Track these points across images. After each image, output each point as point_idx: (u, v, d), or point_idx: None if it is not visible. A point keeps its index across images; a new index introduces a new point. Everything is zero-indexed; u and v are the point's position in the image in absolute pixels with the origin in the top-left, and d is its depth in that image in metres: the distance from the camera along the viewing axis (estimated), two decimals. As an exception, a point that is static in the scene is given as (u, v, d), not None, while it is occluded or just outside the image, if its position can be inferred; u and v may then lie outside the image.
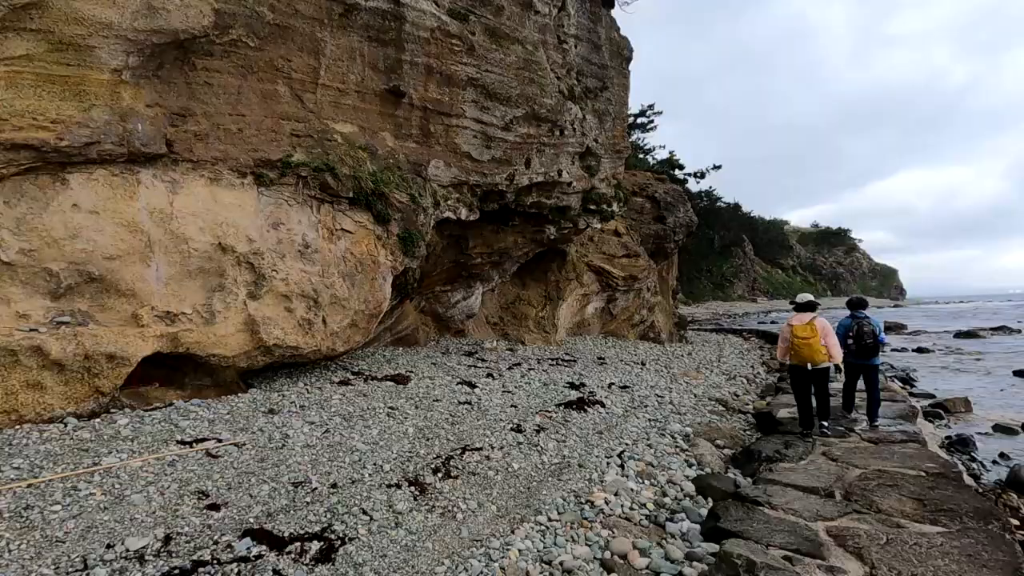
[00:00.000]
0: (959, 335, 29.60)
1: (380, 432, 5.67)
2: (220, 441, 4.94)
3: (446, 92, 10.95)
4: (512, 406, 7.38)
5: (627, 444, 6.30)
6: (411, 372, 9.08)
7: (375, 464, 4.77)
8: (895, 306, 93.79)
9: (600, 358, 14.57)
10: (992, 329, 32.15)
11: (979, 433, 9.14)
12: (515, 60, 12.23)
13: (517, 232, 14.94)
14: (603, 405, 8.08)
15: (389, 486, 4.28)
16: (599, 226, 16.18)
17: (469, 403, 7.29)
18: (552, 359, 13.06)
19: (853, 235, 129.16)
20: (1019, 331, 31.71)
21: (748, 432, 7.99)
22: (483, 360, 11.66)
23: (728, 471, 5.95)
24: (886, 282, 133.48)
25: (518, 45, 12.49)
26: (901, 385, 13.29)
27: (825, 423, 6.81)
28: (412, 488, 4.28)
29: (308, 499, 3.96)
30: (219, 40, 7.71)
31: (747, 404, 10.33)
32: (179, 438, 4.96)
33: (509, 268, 16.07)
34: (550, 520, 4.15)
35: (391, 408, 6.60)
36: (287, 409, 6.15)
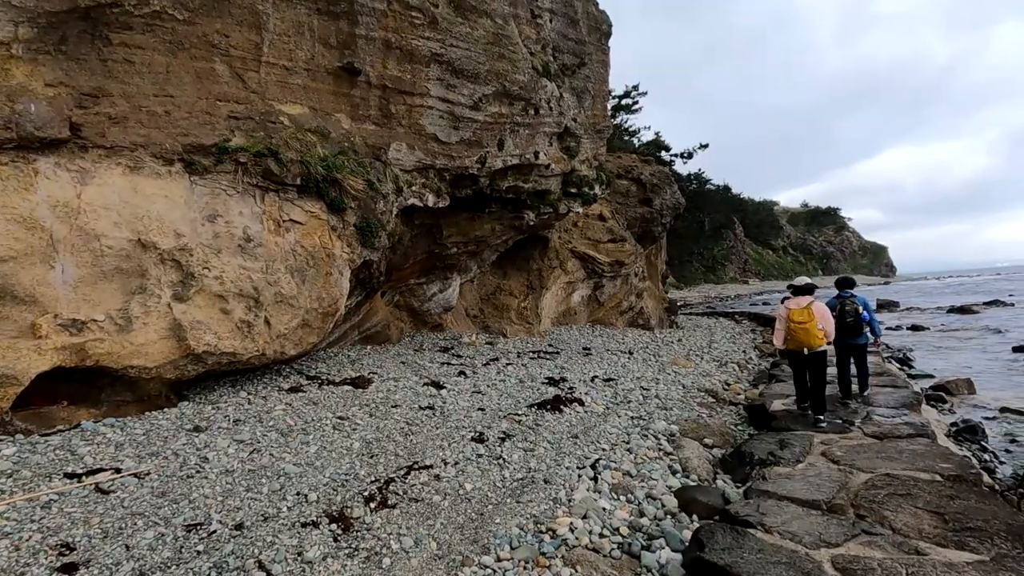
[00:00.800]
0: (953, 311, 29.21)
1: (319, 449, 4.95)
2: (119, 471, 4.20)
3: (407, 69, 10.12)
4: (480, 409, 6.67)
5: (604, 450, 5.61)
6: (375, 373, 8.36)
7: (299, 493, 4.05)
8: (885, 283, 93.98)
9: (586, 349, 13.91)
10: (985, 303, 31.79)
11: (986, 418, 8.56)
12: (483, 34, 11.39)
13: (494, 219, 14.17)
14: (582, 403, 7.40)
15: (304, 525, 3.56)
16: (581, 210, 15.43)
17: (432, 408, 6.58)
18: (534, 352, 12.38)
19: (843, 214, 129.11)
20: (1012, 304, 31.38)
21: (740, 427, 7.34)
22: (459, 356, 10.95)
23: (717, 478, 5.29)
24: (876, 259, 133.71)
25: (486, 19, 11.63)
26: (899, 366, 12.72)
27: (821, 416, 6.39)
28: (334, 526, 3.57)
29: (199, 548, 3.25)
30: (137, 12, 6.87)
31: (739, 394, 9.70)
32: (71, 469, 4.22)
33: (488, 257, 15.33)
34: (499, 560, 3.45)
35: (340, 418, 5.88)
36: (217, 425, 5.42)
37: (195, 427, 5.30)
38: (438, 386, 7.80)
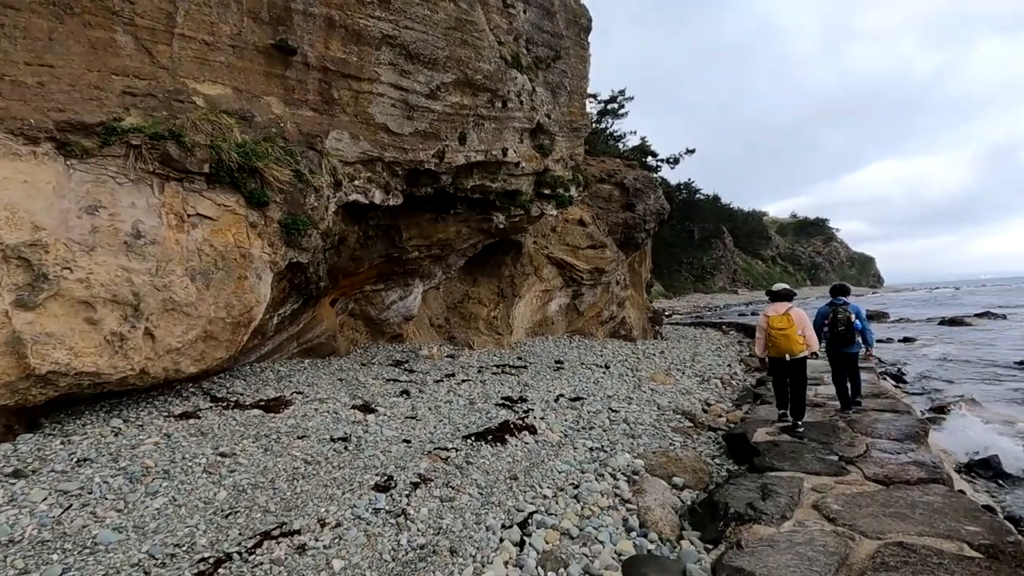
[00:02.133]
0: (944, 323, 28.48)
1: (167, 503, 3.83)
2: None
3: (354, 51, 9.06)
4: (405, 441, 5.55)
5: (546, 497, 4.52)
6: (300, 393, 7.22)
7: (92, 579, 2.94)
8: (874, 293, 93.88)
9: (558, 362, 12.83)
10: (977, 315, 31.12)
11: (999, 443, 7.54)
12: (444, 18, 10.36)
13: (460, 221, 13.09)
14: (534, 431, 6.31)
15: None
16: (555, 213, 14.40)
17: (346, 440, 5.46)
18: (499, 366, 11.27)
19: (831, 225, 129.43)
20: (1004, 316, 30.73)
21: (717, 460, 6.28)
22: (411, 371, 9.83)
23: (682, 535, 4.20)
24: (864, 270, 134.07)
25: (449, 2, 10.61)
26: (894, 384, 11.73)
27: (800, 423, 6.35)
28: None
29: None
30: (8, -37, 5.78)
31: (720, 416, 8.65)
32: None
33: (454, 263, 14.23)
34: None
35: (221, 456, 4.74)
36: (51, 467, 4.27)
37: (15, 471, 4.15)
38: (368, 409, 6.67)
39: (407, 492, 4.24)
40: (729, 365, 14.41)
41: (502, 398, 8.22)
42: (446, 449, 5.26)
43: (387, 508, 3.96)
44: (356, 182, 8.93)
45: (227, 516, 3.72)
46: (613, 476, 5.19)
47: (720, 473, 5.91)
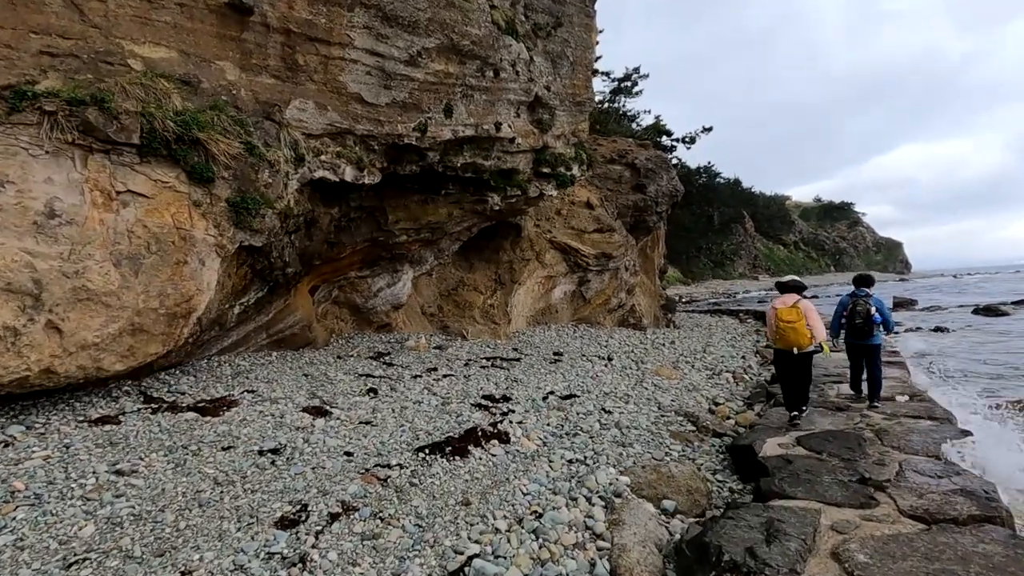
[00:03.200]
0: (978, 311, 26.82)
1: (4, 546, 3.07)
2: None
3: (322, 12, 8.18)
4: (346, 453, 4.76)
5: (497, 532, 3.67)
6: (251, 392, 6.47)
7: None
8: (901, 280, 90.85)
9: (556, 354, 11.95)
10: (1014, 303, 29.31)
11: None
12: (427, -24, 9.39)
13: (452, 202, 12.20)
14: (506, 440, 5.47)
15: None
16: (555, 193, 13.41)
17: (277, 451, 4.68)
18: (490, 358, 10.44)
19: (856, 209, 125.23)
20: (1043, 304, 28.88)
21: (719, 476, 5.38)
22: (390, 365, 9.05)
23: (664, 588, 3.34)
24: (891, 256, 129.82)
25: (432, -42, 9.62)
26: (924, 388, 10.54)
27: (799, 412, 6.33)
28: None
29: None
30: None
31: (728, 418, 7.71)
32: None
33: (448, 247, 13.38)
34: None
35: (116, 475, 3.99)
36: None
37: None
38: (320, 412, 5.89)
39: (320, 527, 3.44)
40: (743, 357, 13.39)
41: (483, 397, 7.40)
42: (389, 466, 4.45)
43: (284, 552, 3.16)
44: (323, 157, 8.08)
45: (70, 566, 2.96)
46: (589, 499, 4.33)
47: (721, 493, 5.03)
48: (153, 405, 5.65)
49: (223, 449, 4.63)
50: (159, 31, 6.90)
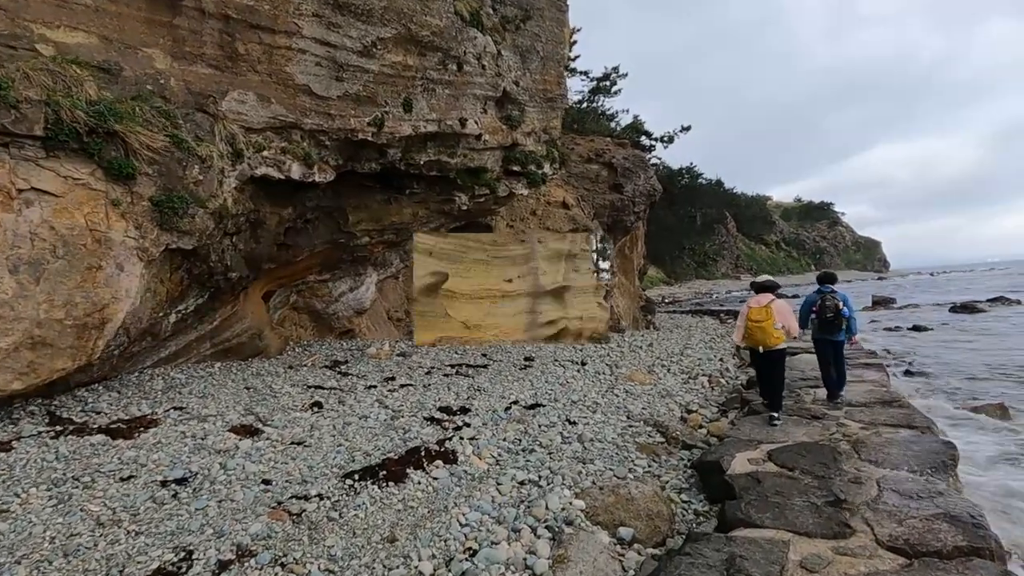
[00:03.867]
0: (955, 309, 26.94)
1: None
2: None
3: (266, -2, 7.62)
4: (264, 482, 4.23)
5: (421, 576, 3.17)
6: (179, 409, 5.89)
7: None
8: (880, 278, 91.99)
9: (528, 359, 11.46)
10: (989, 301, 29.54)
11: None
12: (383, -38, 8.87)
13: (417, 202, 11.70)
14: (453, 459, 4.98)
15: None
16: (526, 192, 12.97)
17: (184, 481, 4.14)
18: (455, 365, 9.93)
19: (836, 208, 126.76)
20: (1018, 302, 29.14)
21: (684, 495, 4.93)
22: (345, 375, 8.50)
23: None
24: (870, 255, 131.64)
25: (389, -57, 9.10)
26: (903, 392, 10.28)
27: (776, 414, 6.31)
28: None
29: None
30: None
31: (700, 427, 7.28)
32: None
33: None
34: None
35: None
36: None
37: None
38: (250, 431, 5.34)
39: (205, 580, 2.92)
40: (721, 359, 13.03)
41: (439, 409, 6.89)
42: (307, 497, 3.94)
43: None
44: (265, 153, 7.53)
45: None
46: (534, 530, 3.85)
47: (686, 516, 4.58)
48: (58, 427, 5.06)
49: (122, 480, 4.08)
50: (76, 14, 6.31)
